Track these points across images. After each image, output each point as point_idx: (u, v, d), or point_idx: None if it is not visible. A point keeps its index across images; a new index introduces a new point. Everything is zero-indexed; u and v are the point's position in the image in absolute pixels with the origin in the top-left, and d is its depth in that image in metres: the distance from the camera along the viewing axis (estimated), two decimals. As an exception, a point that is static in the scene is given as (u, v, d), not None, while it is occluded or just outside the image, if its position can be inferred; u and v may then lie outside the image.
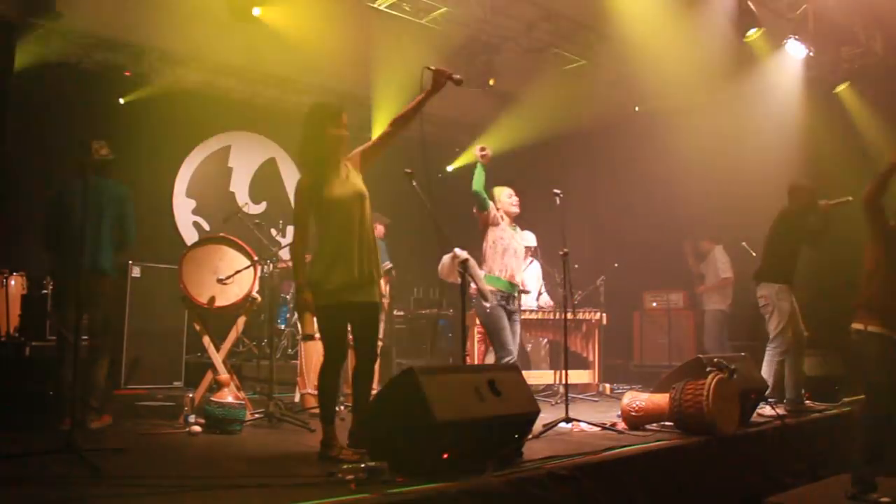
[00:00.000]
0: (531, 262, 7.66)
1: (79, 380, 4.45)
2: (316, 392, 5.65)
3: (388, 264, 6.23)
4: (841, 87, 8.14)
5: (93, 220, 4.83)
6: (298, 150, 3.97)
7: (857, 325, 4.24)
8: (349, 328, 3.94)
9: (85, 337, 4.86)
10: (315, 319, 3.81)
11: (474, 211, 5.37)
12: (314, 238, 3.90)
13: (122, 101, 8.10)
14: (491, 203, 5.33)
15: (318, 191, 3.80)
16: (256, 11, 7.11)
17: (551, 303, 7.54)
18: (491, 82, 8.53)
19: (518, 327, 5.41)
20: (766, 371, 5.77)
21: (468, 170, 5.34)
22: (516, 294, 5.46)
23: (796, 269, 5.95)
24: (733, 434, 4.65)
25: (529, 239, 7.10)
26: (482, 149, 5.16)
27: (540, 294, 7.64)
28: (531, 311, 7.30)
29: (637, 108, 9.73)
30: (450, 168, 10.61)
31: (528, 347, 8.06)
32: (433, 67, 4.01)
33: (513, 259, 5.37)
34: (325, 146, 3.84)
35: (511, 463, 3.60)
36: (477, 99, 9.08)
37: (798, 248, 5.95)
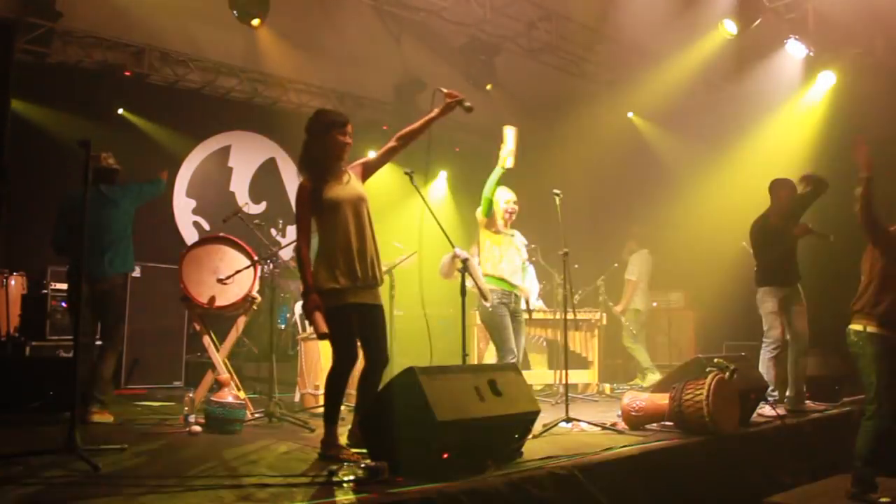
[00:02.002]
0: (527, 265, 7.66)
1: (87, 373, 4.81)
2: (316, 392, 5.68)
3: None
4: (826, 79, 8.11)
5: (101, 224, 5.10)
6: (302, 153, 3.96)
7: (855, 326, 4.25)
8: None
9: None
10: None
11: (478, 213, 5.34)
12: (317, 241, 3.91)
13: (121, 111, 8.11)
14: (494, 210, 5.30)
15: (319, 193, 3.82)
16: (255, 22, 7.08)
17: (546, 308, 7.53)
18: (488, 87, 8.52)
19: (522, 327, 5.39)
20: (762, 370, 5.78)
21: (470, 171, 5.29)
22: (517, 294, 5.45)
23: (791, 271, 5.91)
24: (733, 434, 4.65)
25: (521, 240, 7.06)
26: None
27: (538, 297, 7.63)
28: (531, 311, 7.29)
29: (630, 115, 9.73)
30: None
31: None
32: (446, 90, 4.03)
33: (511, 261, 5.37)
34: (330, 151, 3.87)
35: (511, 463, 3.60)
36: (476, 99, 9.08)
37: (786, 249, 5.86)
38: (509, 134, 5.06)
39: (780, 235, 5.84)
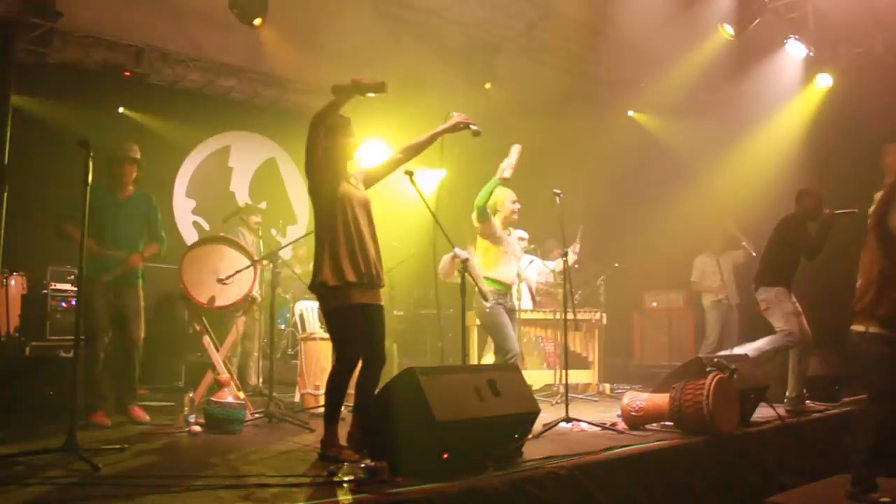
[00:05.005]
0: (531, 260, 7.66)
1: (116, 378, 5.09)
2: (316, 392, 5.68)
3: None
4: (820, 83, 8.10)
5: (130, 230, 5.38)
6: (311, 155, 3.90)
7: (857, 328, 4.24)
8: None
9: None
10: (326, 318, 3.86)
11: (473, 218, 5.32)
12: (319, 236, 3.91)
13: (121, 110, 8.12)
14: (490, 215, 5.30)
15: (329, 188, 3.84)
16: (256, 21, 7.08)
17: (549, 268, 7.51)
18: (487, 86, 8.51)
19: (516, 325, 5.47)
20: (791, 375, 5.80)
21: (471, 171, 5.31)
22: (512, 293, 5.50)
23: (795, 274, 5.95)
24: (733, 434, 4.65)
25: (521, 235, 7.05)
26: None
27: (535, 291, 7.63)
28: (531, 311, 7.31)
29: (631, 113, 9.74)
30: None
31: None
32: (455, 114, 4.15)
33: (510, 263, 5.40)
34: (341, 152, 3.92)
35: (511, 463, 3.60)
36: (476, 99, 9.08)
37: (797, 255, 5.94)
38: (515, 149, 5.16)
39: (796, 242, 5.90)
